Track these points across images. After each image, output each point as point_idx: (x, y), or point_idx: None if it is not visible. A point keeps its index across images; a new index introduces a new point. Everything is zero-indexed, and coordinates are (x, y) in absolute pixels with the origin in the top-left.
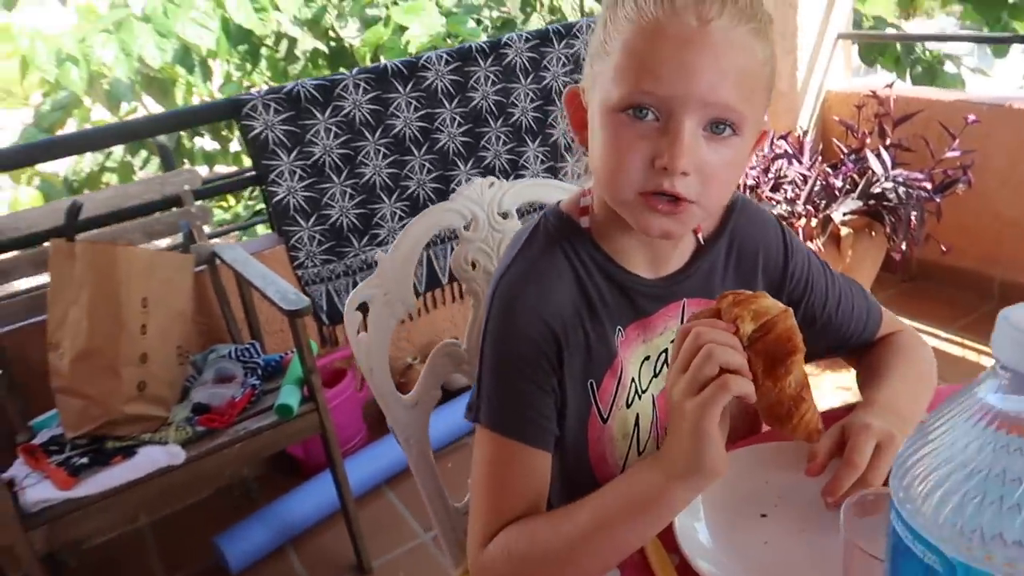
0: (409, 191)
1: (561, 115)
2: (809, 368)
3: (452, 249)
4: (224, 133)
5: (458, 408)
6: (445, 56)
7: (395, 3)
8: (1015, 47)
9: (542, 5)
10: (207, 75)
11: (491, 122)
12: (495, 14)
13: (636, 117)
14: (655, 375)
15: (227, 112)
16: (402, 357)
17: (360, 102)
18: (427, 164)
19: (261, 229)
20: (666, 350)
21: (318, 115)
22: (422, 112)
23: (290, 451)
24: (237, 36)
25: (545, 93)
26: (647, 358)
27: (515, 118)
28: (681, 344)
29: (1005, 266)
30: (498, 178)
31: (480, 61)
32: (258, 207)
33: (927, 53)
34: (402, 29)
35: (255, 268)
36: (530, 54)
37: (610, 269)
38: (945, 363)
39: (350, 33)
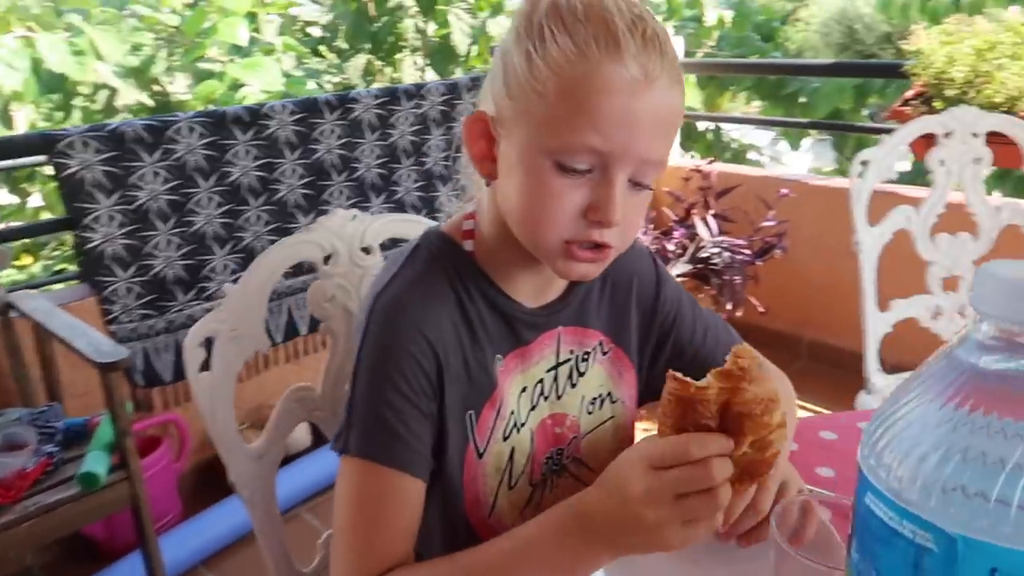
0: (244, 242)
1: (408, 171)
2: None
3: (287, 306)
4: (24, 185)
5: (296, 472)
6: (290, 106)
7: (232, 60)
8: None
9: (383, 74)
10: (8, 122)
11: (334, 176)
12: (336, 79)
13: (572, 168)
14: (532, 407)
15: (37, 148)
16: None
17: (194, 146)
18: (264, 215)
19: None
20: (542, 380)
21: (145, 157)
22: (262, 161)
23: (87, 532)
24: (49, 81)
25: (391, 151)
26: (524, 389)
27: (359, 174)
28: (680, 450)
29: (814, 328)
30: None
31: (326, 114)
32: (58, 267)
33: (734, 142)
34: (238, 85)
35: (60, 319)
36: (378, 111)
37: (493, 296)
38: None
39: (179, 88)
